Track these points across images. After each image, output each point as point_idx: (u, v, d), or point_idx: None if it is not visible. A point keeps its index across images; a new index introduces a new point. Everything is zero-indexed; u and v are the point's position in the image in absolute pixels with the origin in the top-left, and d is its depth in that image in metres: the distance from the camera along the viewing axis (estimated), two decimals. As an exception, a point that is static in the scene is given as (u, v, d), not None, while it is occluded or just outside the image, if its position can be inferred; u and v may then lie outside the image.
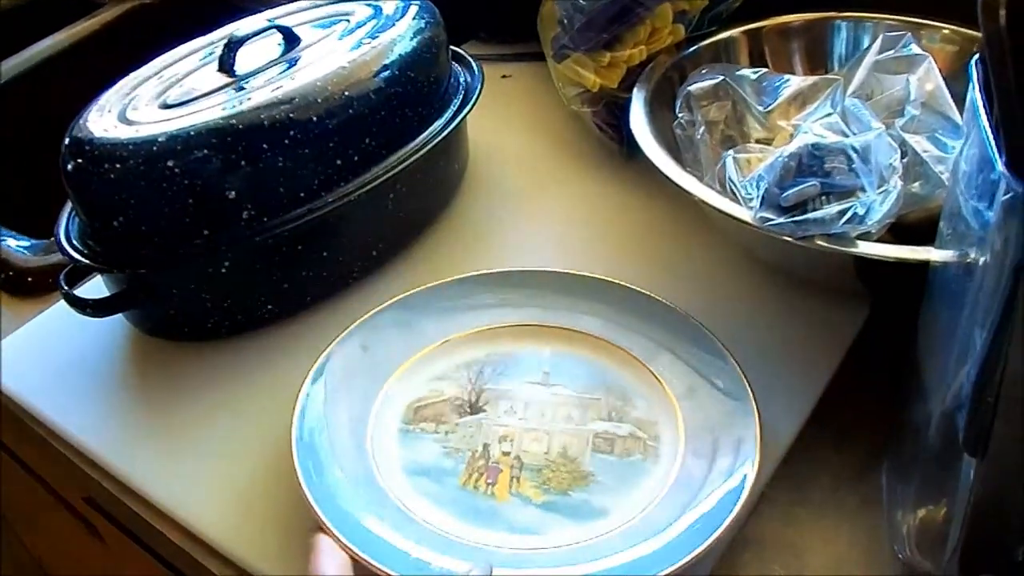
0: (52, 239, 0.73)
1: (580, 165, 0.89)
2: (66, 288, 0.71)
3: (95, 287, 0.76)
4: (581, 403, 0.64)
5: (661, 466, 0.60)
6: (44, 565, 1.23)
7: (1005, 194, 0.39)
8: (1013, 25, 0.36)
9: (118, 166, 0.65)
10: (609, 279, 0.70)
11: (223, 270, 0.69)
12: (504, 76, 1.03)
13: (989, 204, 0.41)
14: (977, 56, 0.42)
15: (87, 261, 0.69)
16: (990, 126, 0.40)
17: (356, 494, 0.58)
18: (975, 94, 0.43)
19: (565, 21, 0.84)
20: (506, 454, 0.62)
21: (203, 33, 0.83)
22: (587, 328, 0.69)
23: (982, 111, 0.41)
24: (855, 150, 0.60)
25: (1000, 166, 0.39)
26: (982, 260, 0.42)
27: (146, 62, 0.80)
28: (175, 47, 0.82)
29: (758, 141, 0.76)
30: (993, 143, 0.40)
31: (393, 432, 0.64)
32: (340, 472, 0.60)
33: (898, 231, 0.63)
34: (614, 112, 0.84)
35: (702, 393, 0.63)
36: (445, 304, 0.70)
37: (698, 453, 0.60)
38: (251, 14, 0.81)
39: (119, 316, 0.74)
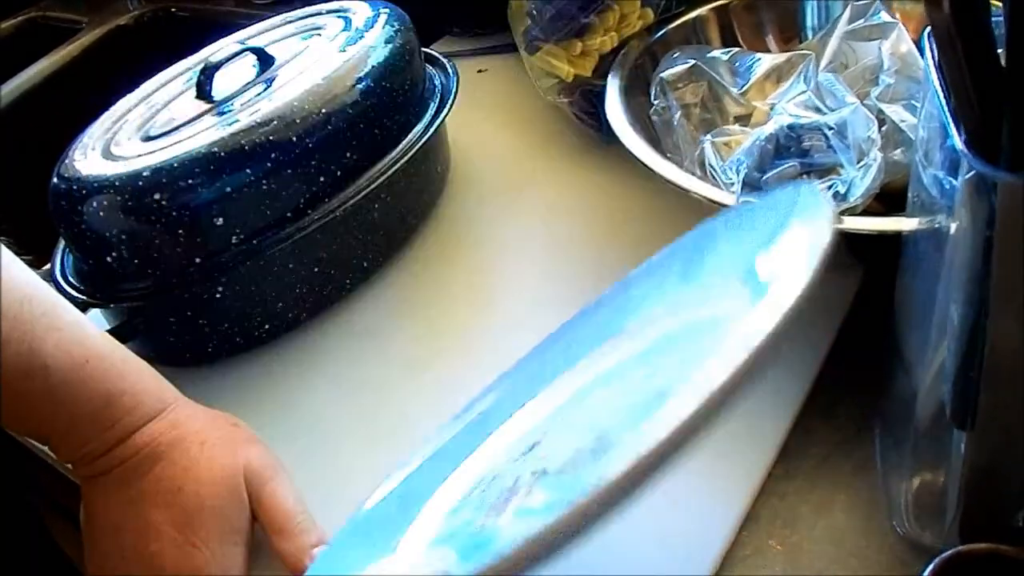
0: (47, 268, 0.74)
1: (562, 155, 0.89)
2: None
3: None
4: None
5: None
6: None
7: (967, 172, 0.39)
8: (958, 10, 0.36)
9: (106, 203, 0.66)
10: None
11: (217, 295, 0.70)
12: (480, 71, 1.04)
13: (948, 172, 0.41)
14: (929, 28, 0.42)
15: (83, 297, 0.69)
16: (946, 100, 0.40)
17: None
18: (929, 67, 0.43)
19: (535, 13, 0.84)
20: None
21: (181, 50, 0.83)
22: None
23: (937, 85, 0.41)
24: (831, 127, 0.60)
25: (959, 143, 0.39)
26: (952, 229, 0.42)
27: (129, 83, 0.80)
28: (155, 66, 0.82)
29: (737, 118, 0.75)
30: (950, 118, 0.39)
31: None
32: None
33: (886, 199, 0.63)
34: (591, 100, 0.84)
35: None
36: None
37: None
38: (225, 29, 0.82)
39: (121, 346, 0.75)
